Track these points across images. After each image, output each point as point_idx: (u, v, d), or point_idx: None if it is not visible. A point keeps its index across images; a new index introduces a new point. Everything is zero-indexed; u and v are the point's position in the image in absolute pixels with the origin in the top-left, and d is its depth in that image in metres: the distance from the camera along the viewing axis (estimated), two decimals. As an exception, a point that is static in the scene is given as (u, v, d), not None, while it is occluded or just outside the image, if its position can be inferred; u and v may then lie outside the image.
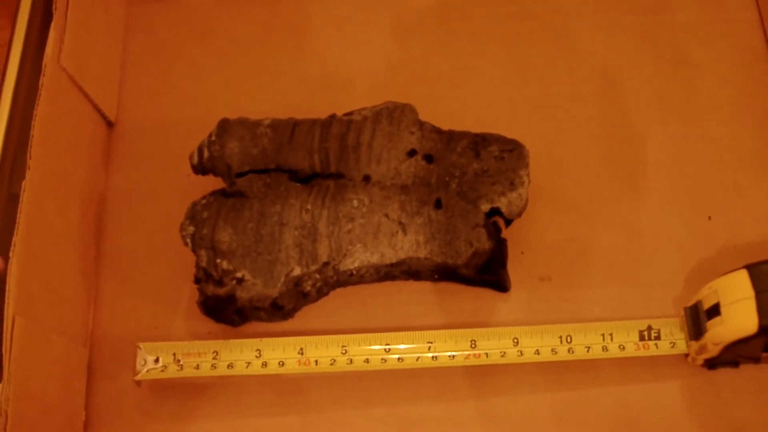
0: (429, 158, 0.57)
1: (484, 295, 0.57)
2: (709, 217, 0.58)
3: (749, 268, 0.51)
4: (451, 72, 0.63)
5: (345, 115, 0.58)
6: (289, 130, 0.57)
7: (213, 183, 0.58)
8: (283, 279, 0.54)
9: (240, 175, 0.57)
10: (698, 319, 0.52)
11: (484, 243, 0.54)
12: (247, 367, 0.55)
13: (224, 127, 0.58)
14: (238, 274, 0.54)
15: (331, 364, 0.54)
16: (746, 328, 0.50)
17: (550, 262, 0.58)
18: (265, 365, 0.54)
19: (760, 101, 0.61)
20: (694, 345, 0.53)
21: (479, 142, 0.57)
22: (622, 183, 0.59)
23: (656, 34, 0.64)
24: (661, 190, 0.59)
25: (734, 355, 0.53)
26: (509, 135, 0.57)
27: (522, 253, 0.58)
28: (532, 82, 0.62)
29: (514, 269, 0.57)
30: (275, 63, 0.64)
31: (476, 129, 0.58)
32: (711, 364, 0.55)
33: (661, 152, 0.60)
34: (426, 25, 0.65)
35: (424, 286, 0.57)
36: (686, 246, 0.57)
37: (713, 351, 0.52)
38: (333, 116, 0.58)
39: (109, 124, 0.63)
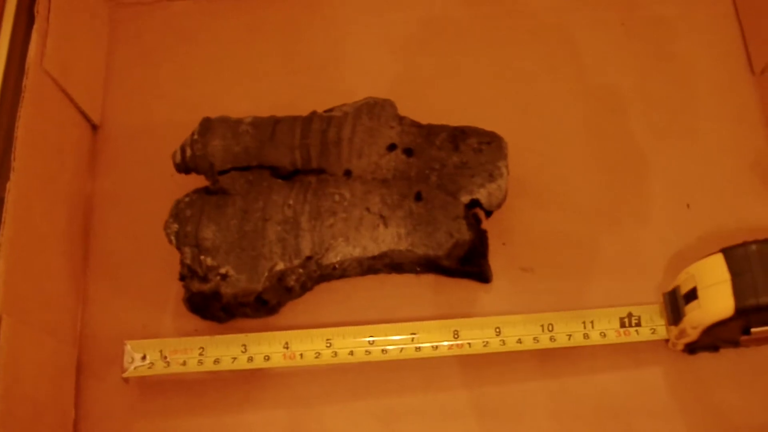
0: (409, 152, 0.57)
1: (466, 286, 0.58)
2: (688, 205, 0.59)
3: (725, 251, 0.51)
4: (434, 70, 0.64)
5: (325, 111, 0.59)
6: (270, 127, 0.58)
7: (197, 182, 0.58)
8: (266, 274, 0.55)
9: (222, 172, 0.57)
10: (676, 304, 0.53)
11: (465, 234, 0.55)
12: (233, 362, 0.55)
13: (206, 125, 0.58)
14: (222, 270, 0.55)
15: (316, 358, 0.55)
16: (723, 311, 0.50)
17: (532, 253, 0.58)
18: (251, 360, 0.55)
19: (737, 91, 0.62)
20: (674, 330, 0.54)
21: (458, 135, 0.58)
22: (602, 174, 0.60)
23: (636, 28, 0.65)
24: (642, 180, 0.60)
25: (713, 338, 0.54)
26: (491, 130, 0.58)
27: (503, 244, 0.58)
28: (515, 78, 0.63)
29: (495, 260, 0.58)
30: (260, 65, 0.65)
31: (458, 125, 0.58)
32: (691, 348, 0.55)
33: (641, 144, 0.61)
34: (409, 25, 0.65)
35: (407, 279, 0.58)
36: (666, 234, 0.58)
37: (692, 335, 0.53)
38: (314, 113, 0.59)
39: (94, 127, 0.64)
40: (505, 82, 0.63)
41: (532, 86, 0.63)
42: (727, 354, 0.56)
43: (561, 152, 0.61)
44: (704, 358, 0.56)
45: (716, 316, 0.51)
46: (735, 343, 0.55)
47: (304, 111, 0.59)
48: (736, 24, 0.64)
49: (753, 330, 0.52)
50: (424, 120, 0.58)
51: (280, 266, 0.55)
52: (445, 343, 0.55)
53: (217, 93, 0.64)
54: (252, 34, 0.66)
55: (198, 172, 0.58)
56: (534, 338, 0.55)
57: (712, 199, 0.59)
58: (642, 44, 0.64)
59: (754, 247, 0.51)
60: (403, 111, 0.58)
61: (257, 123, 0.58)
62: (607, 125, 0.62)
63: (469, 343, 0.55)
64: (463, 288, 0.58)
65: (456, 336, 0.55)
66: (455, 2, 0.66)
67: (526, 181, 0.59)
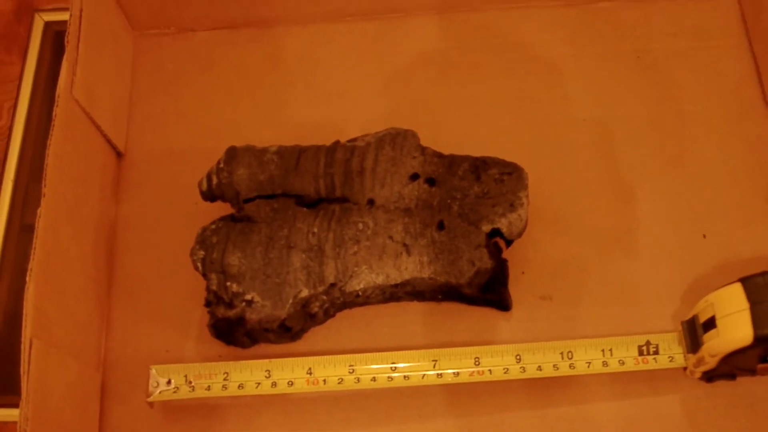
0: (431, 182, 0.58)
1: (487, 314, 0.59)
2: (704, 236, 0.60)
3: (743, 281, 0.52)
4: (451, 100, 0.65)
5: (349, 141, 0.60)
6: (294, 156, 0.59)
7: (221, 209, 0.59)
8: (291, 300, 0.55)
9: (248, 200, 0.58)
10: (695, 332, 0.54)
11: (486, 262, 0.56)
12: (257, 387, 0.56)
13: (232, 154, 0.59)
14: (248, 297, 0.55)
15: (339, 383, 0.56)
16: (742, 339, 0.51)
17: (551, 281, 0.59)
18: (275, 385, 0.56)
19: (751, 122, 0.63)
20: (692, 358, 0.55)
21: (479, 165, 0.59)
22: (619, 203, 0.61)
23: (648, 60, 0.66)
24: (657, 210, 0.61)
25: (731, 367, 0.55)
26: (509, 159, 0.59)
27: (523, 272, 0.59)
28: (530, 108, 0.64)
29: (515, 288, 0.59)
30: (281, 93, 0.66)
31: (476, 154, 0.59)
32: (709, 377, 0.56)
33: (656, 173, 0.62)
34: (426, 56, 0.67)
35: (428, 307, 0.59)
36: (682, 263, 0.59)
37: (710, 363, 0.54)
38: (337, 143, 0.60)
39: (119, 154, 0.65)
40: (521, 112, 0.64)
41: (548, 116, 0.64)
42: (744, 382, 0.56)
43: (577, 181, 0.62)
44: (722, 386, 0.57)
45: (735, 345, 0.52)
46: (752, 372, 0.56)
47: (324, 140, 0.60)
48: (749, 55, 0.65)
49: (770, 359, 0.53)
50: (440, 148, 0.59)
51: (305, 293, 0.56)
52: (467, 369, 0.56)
53: (239, 121, 0.65)
54: (272, 62, 0.67)
55: (224, 200, 0.59)
56: (554, 365, 0.56)
57: (727, 228, 0.60)
58: (656, 75, 0.65)
59: (771, 275, 0.52)
60: (421, 137, 0.59)
61: (282, 152, 0.60)
62: (621, 155, 0.63)
63: (489, 370, 0.56)
64: (484, 316, 0.58)
65: (477, 363, 0.56)
66: (472, 35, 0.67)
67: (544, 210, 0.60)
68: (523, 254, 0.60)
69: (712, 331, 0.53)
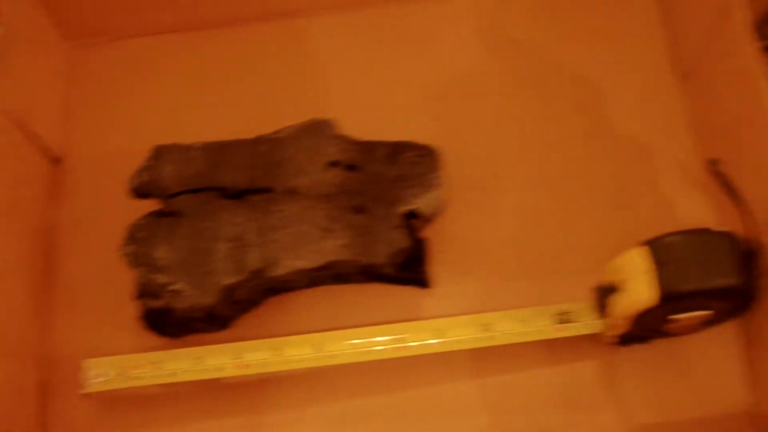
0: (350, 167, 0.60)
1: (408, 293, 0.60)
2: (619, 206, 0.62)
3: (648, 243, 0.54)
4: (372, 88, 0.67)
5: (271, 133, 0.62)
6: (219, 151, 0.61)
7: (156, 207, 0.61)
8: (216, 289, 0.57)
9: (175, 195, 0.60)
10: (605, 296, 0.55)
11: (403, 242, 0.58)
12: (188, 374, 0.58)
13: (158, 152, 0.62)
14: (174, 287, 0.57)
15: (267, 366, 0.57)
16: (648, 300, 0.53)
17: (472, 258, 0.61)
18: (205, 371, 0.58)
19: (666, 100, 0.65)
20: (605, 322, 0.56)
21: (396, 149, 0.61)
22: (538, 181, 0.63)
23: (565, 38, 0.67)
24: (574, 184, 0.63)
25: (643, 329, 0.56)
26: (431, 142, 0.61)
27: (443, 250, 0.61)
28: (451, 90, 0.66)
29: (436, 266, 0.60)
30: (215, 94, 0.68)
31: (397, 139, 0.61)
32: (623, 340, 0.58)
33: (573, 148, 0.64)
34: (347, 45, 0.69)
35: (352, 288, 0.60)
36: (598, 235, 0.61)
37: (622, 326, 0.56)
38: (260, 136, 0.62)
39: (57, 160, 0.67)
40: (441, 95, 0.66)
41: (470, 98, 0.66)
42: (660, 344, 0.58)
43: (498, 160, 0.64)
44: (639, 349, 0.58)
45: (641, 305, 0.53)
46: (665, 334, 0.58)
47: (254, 133, 0.62)
48: (660, 29, 0.67)
49: (678, 317, 0.55)
50: (362, 136, 0.61)
51: (230, 281, 0.58)
52: (391, 346, 0.58)
53: (175, 122, 0.67)
54: (207, 65, 0.69)
55: (153, 197, 0.61)
56: (475, 338, 0.58)
57: (641, 199, 0.62)
58: (577, 55, 0.67)
59: (676, 237, 0.54)
60: (347, 128, 0.61)
61: (207, 147, 0.62)
62: (542, 134, 0.64)
63: (412, 345, 0.57)
64: (406, 294, 0.60)
65: (400, 339, 0.58)
66: (383, 28, 0.69)
67: (465, 189, 0.62)
68: (444, 232, 0.61)
69: (621, 294, 0.54)
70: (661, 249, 0.54)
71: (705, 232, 0.54)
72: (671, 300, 0.53)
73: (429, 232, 0.61)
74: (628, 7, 0.68)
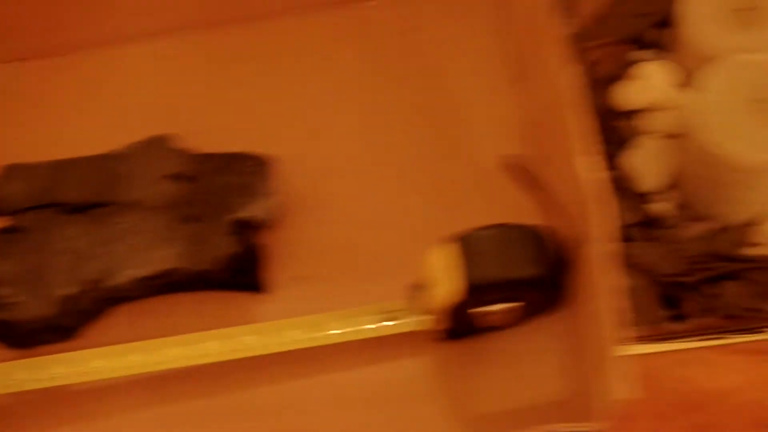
0: (186, 179, 0.63)
1: (244, 298, 0.63)
2: (445, 208, 0.64)
3: (457, 238, 0.56)
4: (212, 99, 0.69)
5: (115, 150, 0.65)
6: (65, 168, 0.64)
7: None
8: (55, 300, 0.60)
9: (21, 212, 0.63)
10: (419, 293, 0.58)
11: (233, 248, 0.61)
12: (35, 383, 0.60)
13: (8, 171, 0.64)
14: (15, 299, 0.60)
15: (111, 372, 0.60)
16: (456, 293, 0.55)
17: (307, 262, 0.63)
18: (52, 379, 0.60)
19: (499, 105, 0.68)
20: (426, 318, 0.59)
21: (230, 160, 0.63)
22: (373, 188, 0.66)
23: (411, 47, 0.70)
24: (404, 188, 0.65)
25: (463, 323, 0.58)
26: (274, 153, 0.64)
27: (280, 257, 0.63)
28: (290, 101, 0.69)
29: (273, 271, 0.63)
30: (63, 116, 0.71)
31: (243, 150, 0.64)
32: (449, 335, 0.60)
33: (406, 153, 0.66)
34: (189, 56, 0.71)
35: (190, 296, 0.63)
36: (424, 235, 0.62)
37: (442, 321, 0.58)
38: (105, 153, 0.65)
39: None
40: (282, 106, 0.69)
41: (308, 107, 0.69)
42: (489, 337, 0.60)
43: (340, 167, 0.66)
44: (467, 343, 0.60)
45: (451, 299, 0.56)
46: (489, 327, 0.60)
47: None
48: (496, 39, 0.70)
49: (491, 309, 0.57)
50: (203, 149, 0.64)
51: (67, 291, 0.60)
52: (223, 349, 0.60)
53: (28, 143, 0.70)
54: (59, 90, 0.72)
55: (1, 215, 0.64)
56: (307, 338, 0.60)
57: (465, 197, 0.64)
58: (413, 62, 0.69)
59: (484, 232, 0.57)
60: (193, 143, 0.64)
61: (54, 165, 0.64)
62: (376, 141, 0.67)
63: (244, 348, 0.60)
64: (241, 300, 0.63)
65: (233, 342, 0.60)
66: (234, 42, 0.72)
67: (305, 198, 0.65)
68: (282, 239, 0.64)
69: (432, 290, 0.57)
70: (468, 244, 0.56)
71: (512, 226, 0.57)
72: (478, 292, 0.56)
73: (266, 239, 0.64)
74: (468, 20, 0.71)
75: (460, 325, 0.59)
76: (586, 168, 0.55)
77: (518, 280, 0.56)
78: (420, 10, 0.72)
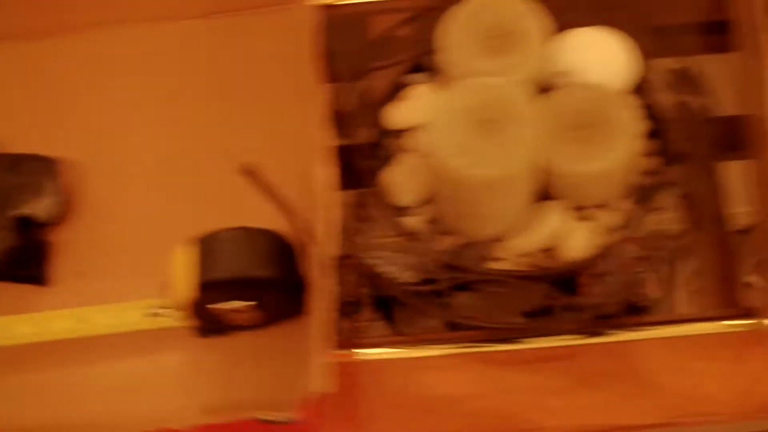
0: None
1: (26, 290, 0.67)
2: (210, 213, 0.68)
3: (197, 239, 0.60)
4: (22, 104, 0.74)
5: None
6: None
7: None
8: None
9: None
10: (165, 290, 0.62)
11: (12, 242, 0.65)
12: None
13: None
14: None
15: None
16: (190, 290, 0.59)
17: (86, 259, 0.68)
18: None
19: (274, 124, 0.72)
20: (175, 315, 0.62)
21: (22, 160, 0.68)
22: (151, 191, 0.70)
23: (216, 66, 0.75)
24: (178, 195, 0.70)
25: (210, 321, 0.62)
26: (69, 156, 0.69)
27: (62, 252, 0.68)
28: (95, 109, 0.73)
29: (54, 266, 0.67)
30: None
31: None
32: (202, 332, 0.64)
33: (186, 163, 0.71)
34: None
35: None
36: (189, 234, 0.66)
37: (188, 318, 0.62)
38: None
39: None
40: (88, 114, 0.73)
41: (115, 119, 0.73)
42: (247, 335, 0.64)
43: (126, 174, 0.70)
44: (228, 340, 0.64)
45: (187, 296, 0.60)
46: (238, 327, 0.63)
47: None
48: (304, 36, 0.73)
49: (230, 307, 0.61)
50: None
51: None
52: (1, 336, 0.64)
53: None
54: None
55: None
56: (77, 328, 0.64)
57: (233, 203, 0.68)
58: (208, 76, 0.74)
59: (221, 233, 0.61)
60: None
61: None
62: (171, 151, 0.71)
63: (20, 336, 0.64)
64: (23, 291, 0.67)
65: (8, 330, 0.64)
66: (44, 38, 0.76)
67: (92, 199, 0.69)
68: (65, 236, 0.68)
69: (172, 287, 0.60)
70: (207, 244, 0.60)
71: (251, 229, 0.61)
72: (211, 289, 0.59)
73: (51, 236, 0.68)
74: (272, 42, 0.75)
75: (209, 323, 0.63)
76: (320, 177, 0.59)
77: (249, 279, 0.59)
78: (233, 30, 0.76)
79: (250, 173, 0.58)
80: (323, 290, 0.58)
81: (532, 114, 0.59)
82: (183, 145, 0.72)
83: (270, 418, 0.56)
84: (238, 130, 0.72)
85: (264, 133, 0.71)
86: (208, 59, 0.75)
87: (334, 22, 0.74)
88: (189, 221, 0.67)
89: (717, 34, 0.73)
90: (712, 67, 0.70)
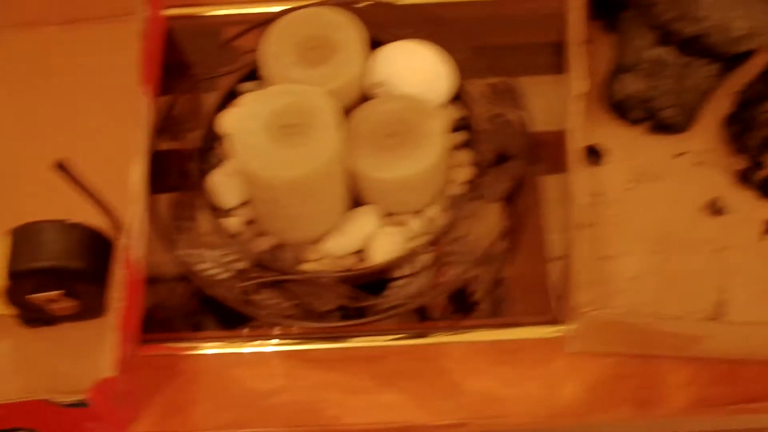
0: None
1: None
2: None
3: (12, 230, 0.63)
4: None
5: None
6: None
7: None
8: None
9: None
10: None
11: None
12: None
13: None
14: None
15: None
16: (1, 280, 0.62)
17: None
18: None
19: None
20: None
21: None
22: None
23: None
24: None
25: (29, 310, 0.65)
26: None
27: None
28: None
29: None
30: None
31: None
32: (26, 321, 0.66)
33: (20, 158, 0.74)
34: None
35: None
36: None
37: (8, 307, 0.65)
38: None
39: None
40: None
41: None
42: (61, 327, 0.67)
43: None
44: (43, 329, 0.67)
45: (1, 284, 0.62)
46: (59, 318, 0.66)
47: None
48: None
49: (42, 296, 0.64)
50: None
51: None
52: None
53: None
54: None
55: None
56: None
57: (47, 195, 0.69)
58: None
59: (36, 225, 0.63)
60: None
61: None
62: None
63: None
64: None
65: None
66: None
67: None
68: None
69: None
70: (19, 234, 0.63)
71: (62, 221, 0.64)
72: (22, 279, 0.62)
73: None
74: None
75: (30, 312, 0.65)
76: (133, 177, 0.62)
77: (59, 269, 0.62)
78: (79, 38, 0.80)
79: (63, 168, 0.61)
80: (120, 283, 0.61)
81: (336, 120, 0.62)
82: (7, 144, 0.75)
83: (59, 400, 0.59)
84: (66, 133, 0.75)
85: (90, 135, 0.75)
86: (54, 65, 0.79)
87: (191, 32, 0.78)
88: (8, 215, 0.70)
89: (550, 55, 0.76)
90: (537, 86, 0.73)
